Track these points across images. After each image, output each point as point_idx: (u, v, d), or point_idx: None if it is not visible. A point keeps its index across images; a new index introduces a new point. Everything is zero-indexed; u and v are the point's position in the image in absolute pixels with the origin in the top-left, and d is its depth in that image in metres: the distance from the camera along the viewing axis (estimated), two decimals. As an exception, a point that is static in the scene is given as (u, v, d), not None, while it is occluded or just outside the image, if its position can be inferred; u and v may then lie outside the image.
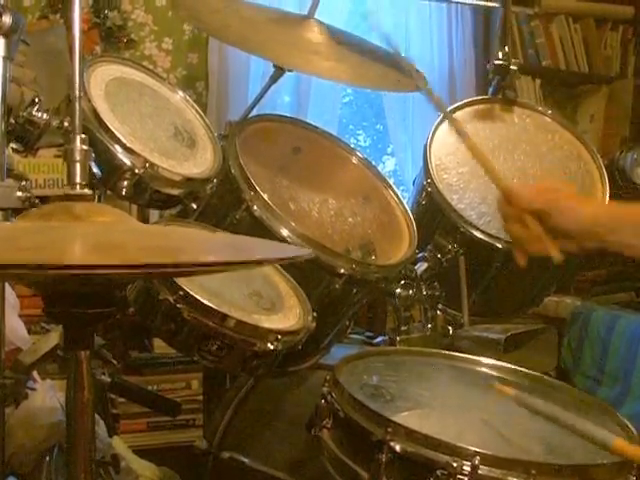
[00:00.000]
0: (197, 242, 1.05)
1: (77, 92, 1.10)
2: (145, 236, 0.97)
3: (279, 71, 1.86)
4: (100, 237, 0.89)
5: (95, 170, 1.47)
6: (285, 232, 1.55)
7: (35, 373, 1.78)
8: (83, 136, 1.09)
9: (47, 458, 1.74)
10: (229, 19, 1.73)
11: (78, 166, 1.08)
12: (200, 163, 1.69)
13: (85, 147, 1.09)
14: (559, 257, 1.28)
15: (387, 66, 1.86)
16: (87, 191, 1.06)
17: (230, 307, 1.40)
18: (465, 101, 2.04)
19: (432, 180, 1.84)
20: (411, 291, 1.79)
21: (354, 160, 1.89)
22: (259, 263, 1.18)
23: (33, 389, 1.75)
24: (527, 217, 1.28)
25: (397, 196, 1.85)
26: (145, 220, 2.46)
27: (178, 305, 1.36)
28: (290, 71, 1.86)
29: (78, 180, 1.07)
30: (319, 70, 1.75)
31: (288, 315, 1.50)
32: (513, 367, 1.55)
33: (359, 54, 1.81)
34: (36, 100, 1.50)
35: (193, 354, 1.41)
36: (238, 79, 3.11)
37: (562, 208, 1.27)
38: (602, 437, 1.20)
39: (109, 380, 1.55)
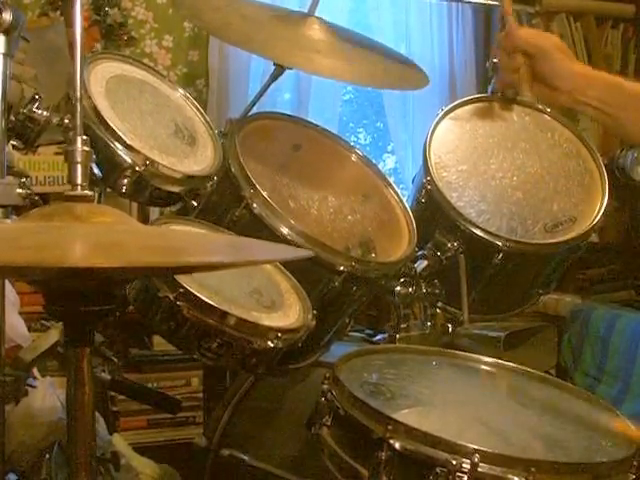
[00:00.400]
0: (197, 242, 1.05)
1: (78, 93, 1.10)
2: (146, 236, 0.97)
3: (279, 69, 1.86)
4: (101, 237, 0.89)
5: (96, 171, 1.47)
6: (284, 230, 1.55)
7: (35, 370, 1.79)
8: (84, 137, 1.09)
9: (47, 455, 1.74)
10: (230, 17, 1.73)
11: (79, 168, 1.07)
12: (200, 160, 1.69)
13: (86, 148, 1.08)
14: (529, 96, 1.55)
15: (389, 64, 1.86)
16: (88, 192, 1.06)
17: (230, 305, 1.40)
18: (465, 99, 2.04)
19: (431, 178, 1.84)
20: (411, 289, 1.79)
21: (354, 158, 1.89)
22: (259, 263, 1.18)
23: (33, 386, 1.75)
24: (516, 52, 1.53)
25: (397, 194, 1.85)
26: (145, 218, 2.46)
27: (178, 302, 1.36)
28: (290, 69, 1.86)
29: (79, 181, 1.07)
30: (320, 69, 1.75)
31: (288, 313, 1.50)
32: (513, 365, 1.55)
33: (360, 52, 1.81)
34: (36, 97, 1.50)
35: (193, 352, 1.41)
36: (238, 77, 3.11)
37: (546, 55, 1.49)
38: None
39: (109, 377, 1.55)
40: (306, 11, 1.85)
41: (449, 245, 1.81)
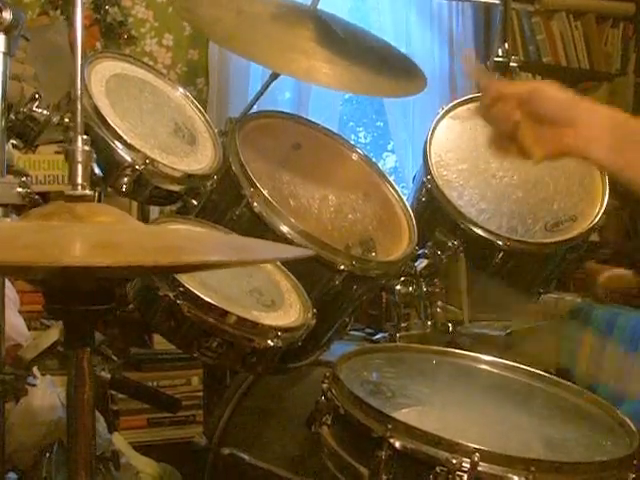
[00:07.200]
0: (197, 241, 1.05)
1: (79, 92, 1.10)
2: (145, 236, 0.97)
3: (279, 68, 1.86)
4: (100, 237, 0.89)
5: (97, 171, 1.47)
6: (285, 228, 1.55)
7: (35, 369, 1.78)
8: (85, 137, 1.09)
9: (47, 454, 1.74)
10: (223, 13, 1.71)
11: (80, 167, 1.07)
12: (200, 159, 1.69)
13: (87, 148, 1.08)
14: (538, 153, 1.29)
15: (386, 70, 1.85)
16: (88, 192, 1.06)
17: (230, 304, 1.40)
18: (465, 98, 2.04)
19: (432, 177, 1.84)
20: (411, 288, 1.79)
21: (354, 157, 1.89)
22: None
23: (33, 385, 1.75)
24: (507, 103, 1.26)
25: (397, 193, 1.85)
26: (145, 217, 2.45)
27: (178, 301, 1.36)
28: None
29: (79, 181, 1.07)
30: (308, 75, 1.73)
31: (288, 312, 1.50)
32: (513, 364, 1.55)
33: (357, 57, 1.79)
34: (36, 96, 1.50)
35: (193, 351, 1.41)
36: (239, 75, 3.11)
37: (541, 91, 1.26)
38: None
39: (109, 376, 1.55)
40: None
41: (449, 244, 1.81)
